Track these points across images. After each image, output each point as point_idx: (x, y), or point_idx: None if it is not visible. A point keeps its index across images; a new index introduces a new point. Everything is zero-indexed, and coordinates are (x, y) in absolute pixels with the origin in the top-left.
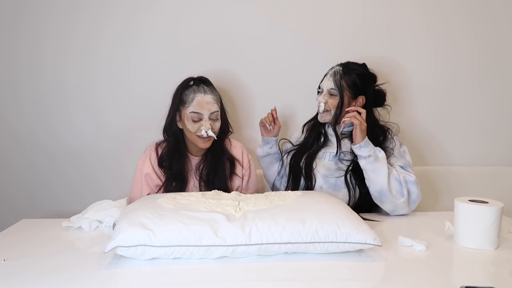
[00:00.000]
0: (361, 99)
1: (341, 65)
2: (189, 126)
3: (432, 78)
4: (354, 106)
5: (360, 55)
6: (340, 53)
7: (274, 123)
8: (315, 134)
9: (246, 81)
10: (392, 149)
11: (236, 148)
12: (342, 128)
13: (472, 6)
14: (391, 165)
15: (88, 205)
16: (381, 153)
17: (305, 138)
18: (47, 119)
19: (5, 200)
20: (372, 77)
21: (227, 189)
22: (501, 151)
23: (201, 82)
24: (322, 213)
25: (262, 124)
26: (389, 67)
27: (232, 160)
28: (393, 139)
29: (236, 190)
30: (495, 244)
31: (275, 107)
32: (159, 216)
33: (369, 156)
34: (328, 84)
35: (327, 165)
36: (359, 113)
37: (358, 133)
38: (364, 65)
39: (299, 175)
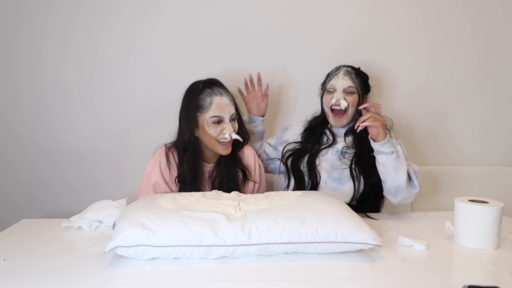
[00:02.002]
0: (365, 100)
1: (346, 66)
2: (210, 131)
3: (432, 79)
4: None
5: (361, 55)
6: (340, 54)
7: (255, 87)
8: (314, 139)
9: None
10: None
11: (248, 156)
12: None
13: (472, 7)
14: None
15: (88, 205)
16: (398, 146)
17: (302, 142)
18: (47, 120)
19: (5, 200)
20: (368, 79)
21: None
22: (501, 151)
23: (213, 84)
24: (322, 213)
25: (246, 98)
26: (390, 68)
27: (244, 170)
28: (390, 131)
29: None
30: (495, 244)
31: (258, 72)
32: (159, 216)
33: (392, 152)
34: (344, 83)
35: (329, 160)
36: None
37: (381, 132)
38: (359, 68)
39: (302, 176)
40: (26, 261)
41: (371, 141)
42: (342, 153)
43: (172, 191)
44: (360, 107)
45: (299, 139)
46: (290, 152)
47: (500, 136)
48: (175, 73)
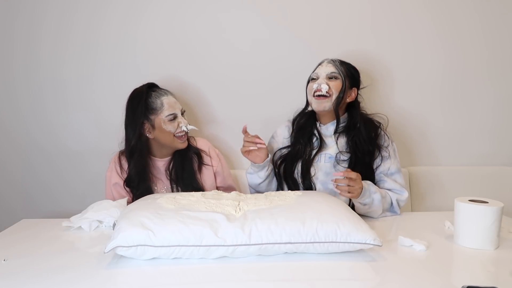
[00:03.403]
0: (354, 92)
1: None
2: (169, 128)
3: (433, 79)
4: (344, 172)
5: (368, 52)
6: (342, 50)
7: (258, 143)
8: (305, 140)
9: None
10: (387, 147)
11: (200, 142)
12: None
13: (482, 5)
14: (387, 170)
15: (88, 206)
16: (376, 195)
17: (293, 144)
18: (44, 119)
19: (3, 202)
20: (359, 74)
21: (198, 183)
22: (501, 151)
23: (154, 87)
24: (322, 213)
25: (247, 151)
26: (394, 66)
27: (198, 153)
28: (385, 134)
29: (208, 183)
30: (495, 244)
31: (244, 126)
32: (159, 216)
33: (365, 204)
34: (327, 69)
35: (323, 168)
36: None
37: (353, 196)
38: (350, 64)
39: (296, 184)
40: (26, 261)
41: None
42: (337, 160)
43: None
44: (335, 178)
45: (287, 143)
46: (283, 159)
47: (500, 136)
48: (176, 70)
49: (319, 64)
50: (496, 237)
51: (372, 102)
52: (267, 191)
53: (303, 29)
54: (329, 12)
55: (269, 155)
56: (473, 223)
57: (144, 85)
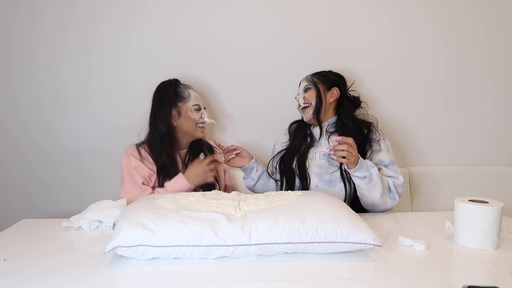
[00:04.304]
0: (335, 91)
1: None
2: (194, 116)
3: (434, 79)
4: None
5: (369, 54)
6: (344, 50)
7: (234, 150)
8: (301, 136)
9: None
10: (378, 141)
11: (210, 141)
12: (332, 155)
13: (484, 5)
14: (380, 163)
15: (87, 206)
16: (373, 169)
17: (291, 142)
18: (43, 119)
19: (3, 202)
20: (341, 76)
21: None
22: (501, 151)
23: (179, 82)
24: (322, 213)
25: (229, 161)
26: (395, 66)
27: (210, 148)
28: (377, 131)
29: (221, 180)
30: (495, 244)
31: (215, 141)
32: (159, 216)
33: (364, 177)
34: (302, 85)
35: (319, 164)
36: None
37: (350, 163)
38: (329, 71)
39: (293, 176)
40: (26, 261)
41: (346, 169)
42: (331, 156)
43: (153, 171)
44: (330, 150)
45: (286, 146)
46: (283, 155)
47: (500, 136)
48: (174, 70)
49: (299, 85)
50: (496, 237)
51: (374, 103)
52: (268, 190)
53: (306, 32)
54: (331, 13)
55: (254, 157)
56: (473, 223)
57: (170, 79)
